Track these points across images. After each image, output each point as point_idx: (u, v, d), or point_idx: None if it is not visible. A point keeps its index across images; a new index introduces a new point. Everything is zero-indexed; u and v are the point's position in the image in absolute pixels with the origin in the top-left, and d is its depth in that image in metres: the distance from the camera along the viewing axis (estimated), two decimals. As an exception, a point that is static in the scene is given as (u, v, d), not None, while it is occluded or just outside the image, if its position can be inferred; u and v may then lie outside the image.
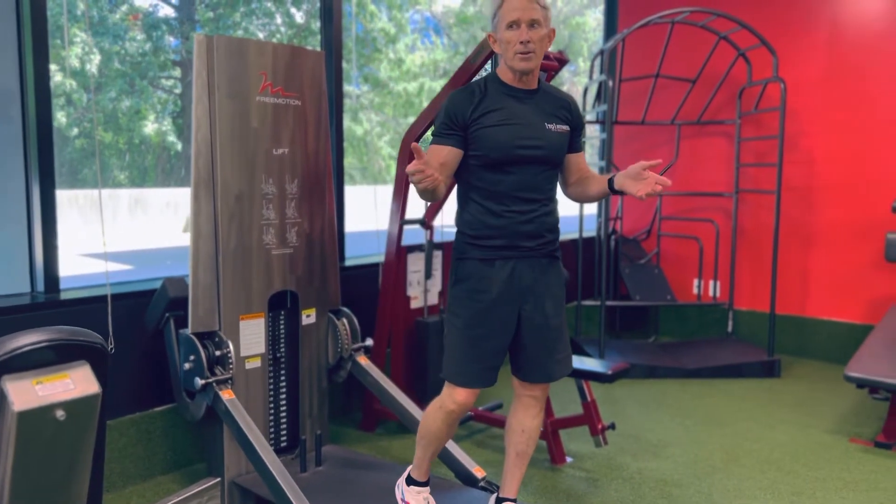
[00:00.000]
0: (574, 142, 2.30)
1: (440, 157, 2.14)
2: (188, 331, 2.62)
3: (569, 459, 3.22)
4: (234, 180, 2.66)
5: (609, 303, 4.93)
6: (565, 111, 2.27)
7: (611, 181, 2.18)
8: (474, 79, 2.38)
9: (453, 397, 2.24)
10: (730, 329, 5.15)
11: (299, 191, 2.86)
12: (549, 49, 3.48)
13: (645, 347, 5.03)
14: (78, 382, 1.27)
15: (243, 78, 2.64)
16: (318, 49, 3.59)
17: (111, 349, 2.84)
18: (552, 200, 2.28)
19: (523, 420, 2.36)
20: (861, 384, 3.36)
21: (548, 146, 2.19)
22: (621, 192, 2.17)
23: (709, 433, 3.59)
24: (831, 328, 4.86)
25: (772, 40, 4.67)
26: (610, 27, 5.64)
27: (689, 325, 5.45)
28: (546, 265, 2.26)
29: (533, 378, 2.31)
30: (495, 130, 2.14)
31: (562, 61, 3.34)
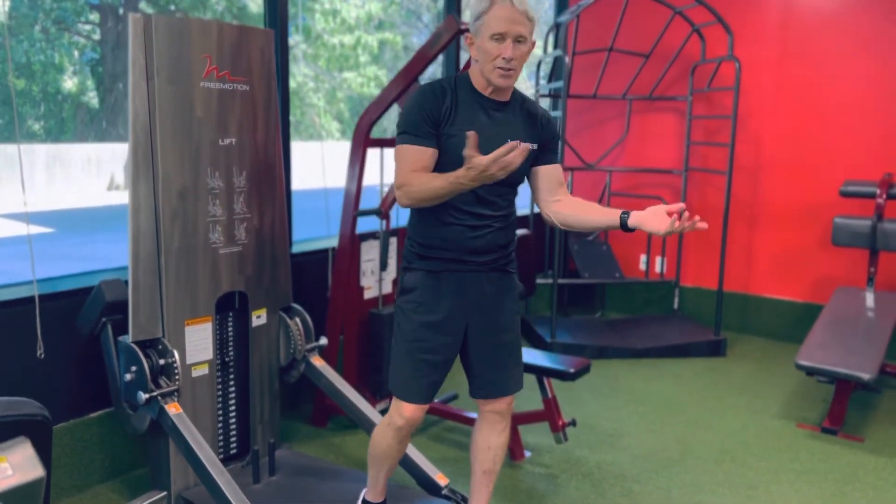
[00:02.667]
0: (546, 155, 2.15)
1: (423, 161, 1.97)
2: (129, 339, 2.41)
3: (527, 454, 3.17)
4: (177, 174, 2.43)
5: (559, 280, 4.88)
6: (537, 127, 2.12)
7: (623, 220, 1.96)
8: (439, 76, 2.21)
9: (401, 412, 2.15)
10: (675, 306, 5.19)
11: (248, 183, 2.65)
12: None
13: (593, 326, 5.02)
14: (17, 467, 1.09)
15: (185, 62, 2.39)
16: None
17: (41, 355, 2.62)
18: (508, 217, 2.15)
19: (489, 437, 2.27)
20: (811, 372, 3.41)
21: None
22: (632, 230, 1.97)
23: (662, 421, 3.60)
24: (774, 306, 4.95)
25: (725, 18, 4.61)
26: (562, -1, 5.47)
27: (636, 300, 5.48)
28: (497, 279, 2.15)
29: (487, 394, 2.21)
30: (459, 142, 1.96)
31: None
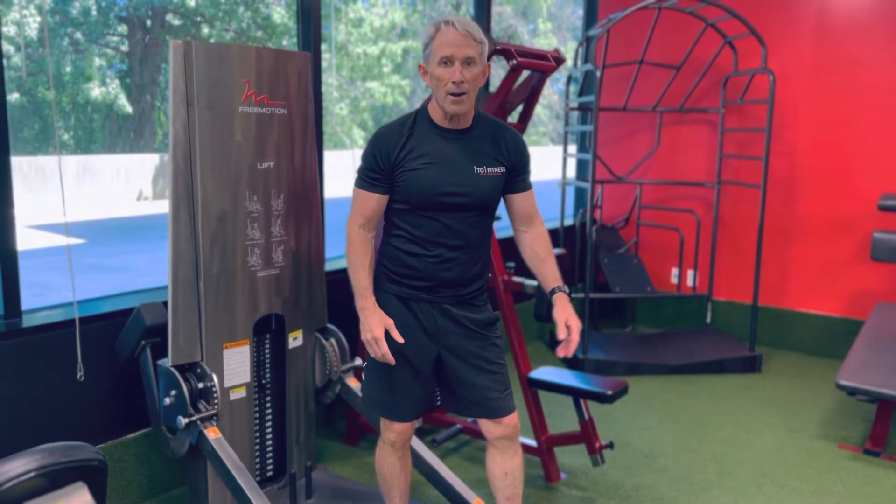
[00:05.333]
0: (515, 182, 2.16)
1: (369, 207, 2.08)
2: (168, 363, 2.42)
3: (563, 476, 3.14)
4: (216, 199, 2.44)
5: (591, 295, 4.83)
6: (503, 151, 2.11)
7: (551, 294, 2.16)
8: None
9: (390, 427, 2.25)
10: (708, 320, 5.12)
11: (285, 206, 2.65)
12: (546, 48, 3.30)
13: (625, 341, 4.97)
14: (75, 513, 1.08)
15: (225, 87, 2.40)
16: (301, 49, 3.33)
17: (81, 377, 2.63)
18: (480, 248, 2.15)
19: (503, 463, 2.26)
20: (853, 392, 3.34)
21: (474, 193, 2.06)
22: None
23: (698, 440, 3.55)
24: (810, 321, 4.87)
25: (759, 29, 4.55)
26: (590, 12, 5.44)
27: (667, 314, 5.41)
28: (469, 311, 2.17)
29: (481, 413, 2.21)
30: (417, 175, 2.02)
31: (559, 60, 3.17)
